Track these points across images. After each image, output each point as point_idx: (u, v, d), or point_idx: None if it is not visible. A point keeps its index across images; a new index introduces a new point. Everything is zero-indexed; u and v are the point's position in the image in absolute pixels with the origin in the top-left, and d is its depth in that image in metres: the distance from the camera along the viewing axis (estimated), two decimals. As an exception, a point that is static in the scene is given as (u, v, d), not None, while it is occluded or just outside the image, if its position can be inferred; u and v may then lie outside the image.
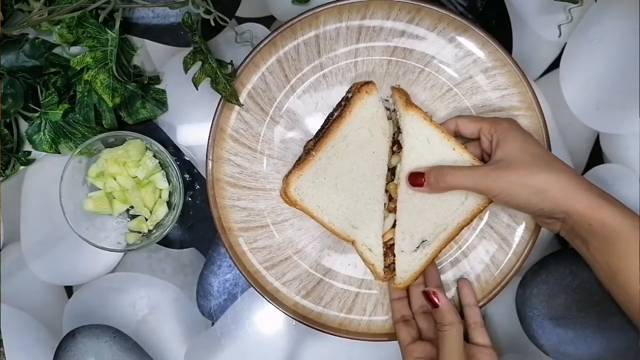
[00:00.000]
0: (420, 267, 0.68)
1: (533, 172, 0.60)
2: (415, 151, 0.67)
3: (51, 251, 0.76)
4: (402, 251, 0.67)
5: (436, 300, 0.64)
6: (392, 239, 0.69)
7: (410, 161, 0.67)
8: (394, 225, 0.69)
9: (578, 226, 0.60)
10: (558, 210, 0.60)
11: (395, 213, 0.69)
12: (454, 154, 0.67)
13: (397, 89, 0.70)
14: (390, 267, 0.69)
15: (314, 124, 0.72)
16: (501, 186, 0.61)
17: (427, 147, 0.67)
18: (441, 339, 0.63)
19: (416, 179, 0.66)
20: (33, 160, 0.76)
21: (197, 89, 0.68)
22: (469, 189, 0.64)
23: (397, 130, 0.69)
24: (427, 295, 0.65)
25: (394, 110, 0.70)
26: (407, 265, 0.68)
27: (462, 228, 0.68)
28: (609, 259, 0.59)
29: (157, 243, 0.75)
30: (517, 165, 0.61)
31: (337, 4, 0.70)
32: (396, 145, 0.69)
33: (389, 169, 0.69)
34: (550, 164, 0.62)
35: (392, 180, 0.72)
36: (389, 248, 0.69)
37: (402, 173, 0.67)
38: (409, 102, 0.68)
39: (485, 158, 0.67)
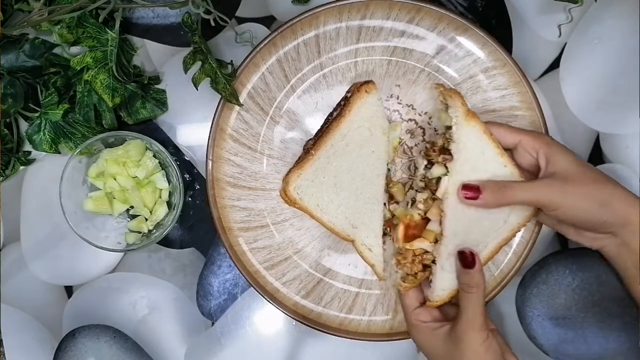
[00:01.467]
0: (455, 287, 0.65)
1: (598, 185, 0.61)
2: (468, 164, 0.64)
3: (51, 251, 0.76)
4: (442, 269, 0.65)
5: (471, 262, 0.63)
6: (421, 249, 0.66)
7: (461, 174, 0.64)
8: (390, 221, 0.70)
9: (633, 237, 0.60)
10: (618, 222, 0.60)
11: (389, 209, 0.69)
12: (505, 170, 0.64)
13: (455, 93, 0.65)
14: (417, 276, 0.66)
15: (314, 123, 0.72)
16: (565, 199, 0.60)
17: (481, 160, 0.64)
18: (466, 300, 0.62)
19: (472, 192, 0.63)
20: (33, 160, 0.76)
21: (197, 89, 0.68)
22: (530, 203, 0.62)
23: (444, 137, 0.66)
24: (463, 254, 0.63)
25: (447, 111, 0.66)
26: (447, 283, 0.65)
27: (502, 247, 0.66)
28: None
29: (157, 243, 0.75)
30: (579, 179, 0.61)
31: (337, 4, 0.70)
32: (441, 155, 0.65)
33: (430, 179, 0.66)
34: (605, 177, 0.63)
35: (392, 180, 0.72)
36: (416, 256, 0.66)
37: (452, 186, 0.64)
38: (470, 111, 0.65)
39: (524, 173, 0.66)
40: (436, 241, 0.65)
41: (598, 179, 0.62)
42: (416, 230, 0.67)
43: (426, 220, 0.67)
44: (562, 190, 0.60)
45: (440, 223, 0.65)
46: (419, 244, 0.66)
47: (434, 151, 0.66)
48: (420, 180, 0.67)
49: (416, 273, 0.66)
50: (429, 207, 0.66)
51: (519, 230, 0.67)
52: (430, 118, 0.72)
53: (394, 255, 0.68)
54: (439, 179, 0.65)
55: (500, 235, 0.66)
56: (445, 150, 0.65)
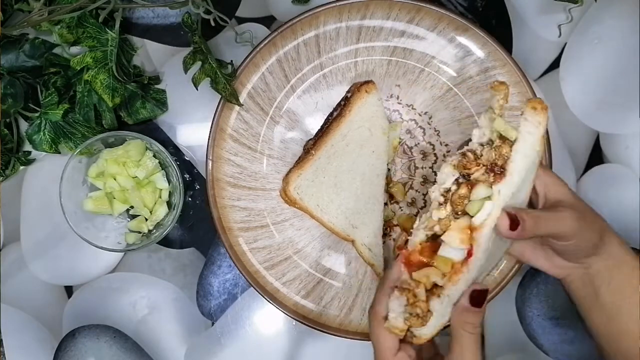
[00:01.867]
0: (447, 320, 0.55)
1: (595, 216, 0.59)
2: (513, 190, 0.53)
3: (51, 251, 0.75)
4: (443, 303, 0.54)
5: (483, 301, 0.54)
6: (433, 282, 0.54)
7: (502, 200, 0.52)
8: (388, 225, 0.69)
9: (604, 268, 0.58)
10: (606, 254, 0.59)
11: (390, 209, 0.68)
12: (519, 197, 0.55)
13: (542, 105, 0.53)
14: (425, 318, 0.54)
15: (314, 123, 0.72)
16: (580, 229, 0.56)
17: (523, 188, 0.55)
18: (465, 341, 0.54)
19: (515, 223, 0.52)
20: (33, 160, 0.76)
21: (197, 89, 0.68)
22: (553, 233, 0.56)
23: (498, 152, 0.53)
24: (478, 293, 0.53)
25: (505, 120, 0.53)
26: (442, 318, 0.55)
27: (485, 277, 0.61)
28: (620, 302, 0.58)
29: (157, 243, 0.75)
30: (582, 209, 0.58)
31: (337, 4, 0.70)
32: (492, 174, 0.53)
33: (460, 197, 0.54)
34: (592, 208, 0.61)
35: (392, 180, 0.72)
36: (427, 291, 0.54)
37: (494, 213, 0.52)
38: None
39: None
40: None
41: (592, 210, 0.60)
42: (423, 256, 0.55)
43: (434, 243, 0.55)
44: (578, 220, 0.56)
45: (470, 254, 0.53)
46: (433, 276, 0.53)
47: (478, 165, 0.53)
48: (442, 195, 0.55)
49: (425, 313, 0.54)
50: (446, 228, 0.54)
51: (500, 263, 0.66)
52: (430, 118, 0.72)
53: (399, 291, 0.55)
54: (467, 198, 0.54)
55: (489, 268, 0.60)
56: (499, 169, 0.53)
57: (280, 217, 0.72)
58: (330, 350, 0.74)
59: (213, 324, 0.75)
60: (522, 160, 0.52)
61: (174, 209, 0.72)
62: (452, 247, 0.53)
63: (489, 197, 0.52)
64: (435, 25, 0.71)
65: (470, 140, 0.56)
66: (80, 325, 0.75)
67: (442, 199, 0.54)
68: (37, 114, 0.72)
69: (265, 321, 0.75)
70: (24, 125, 0.75)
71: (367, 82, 0.68)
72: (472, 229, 0.53)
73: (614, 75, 0.74)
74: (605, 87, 0.74)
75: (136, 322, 0.75)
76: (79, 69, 0.70)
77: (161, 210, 0.72)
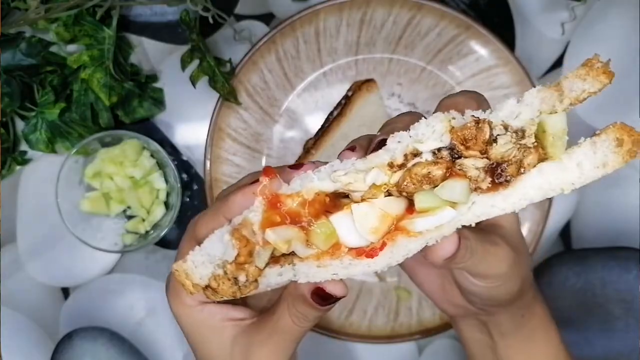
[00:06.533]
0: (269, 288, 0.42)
1: (527, 250, 0.49)
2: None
3: (48, 252, 0.75)
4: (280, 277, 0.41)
5: (331, 304, 0.42)
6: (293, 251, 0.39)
7: (468, 220, 0.38)
8: None
9: (509, 321, 0.49)
10: (523, 300, 0.48)
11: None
12: None
13: (632, 144, 0.38)
14: (241, 289, 0.39)
15: (314, 122, 0.71)
16: (511, 274, 0.45)
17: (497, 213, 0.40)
18: (286, 325, 0.45)
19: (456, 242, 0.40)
20: (29, 160, 0.75)
21: (194, 87, 0.68)
22: (478, 273, 0.44)
23: (520, 154, 0.37)
24: (326, 295, 0.41)
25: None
26: (264, 286, 0.41)
27: None
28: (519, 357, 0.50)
29: (155, 244, 0.74)
30: (519, 244, 0.47)
31: (338, 0, 0.70)
32: (491, 177, 0.37)
33: (424, 175, 0.37)
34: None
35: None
36: (276, 257, 0.40)
37: (446, 229, 0.38)
38: None
39: None
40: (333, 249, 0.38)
41: (526, 247, 0.48)
42: (309, 208, 0.38)
43: (333, 201, 0.38)
44: (512, 262, 0.44)
45: (372, 253, 0.39)
46: (297, 244, 0.38)
47: (484, 152, 0.36)
48: (404, 154, 0.37)
49: (249, 284, 0.39)
50: (369, 197, 0.37)
51: None
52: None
53: (232, 235, 0.38)
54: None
55: None
56: (503, 178, 0.37)
57: (279, 217, 0.71)
58: (330, 352, 0.74)
59: (211, 326, 0.74)
60: (534, 191, 0.36)
61: (171, 209, 0.72)
62: (354, 228, 0.37)
63: (454, 203, 0.37)
64: (437, 22, 0.70)
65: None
66: (77, 327, 0.74)
67: (400, 159, 0.37)
68: (33, 113, 0.72)
69: (265, 323, 0.74)
70: (20, 124, 0.75)
71: (368, 81, 0.68)
72: (400, 227, 0.37)
73: (617, 74, 0.74)
74: (609, 86, 0.74)
75: (133, 325, 0.74)
76: (75, 67, 0.70)
77: (158, 211, 0.72)
